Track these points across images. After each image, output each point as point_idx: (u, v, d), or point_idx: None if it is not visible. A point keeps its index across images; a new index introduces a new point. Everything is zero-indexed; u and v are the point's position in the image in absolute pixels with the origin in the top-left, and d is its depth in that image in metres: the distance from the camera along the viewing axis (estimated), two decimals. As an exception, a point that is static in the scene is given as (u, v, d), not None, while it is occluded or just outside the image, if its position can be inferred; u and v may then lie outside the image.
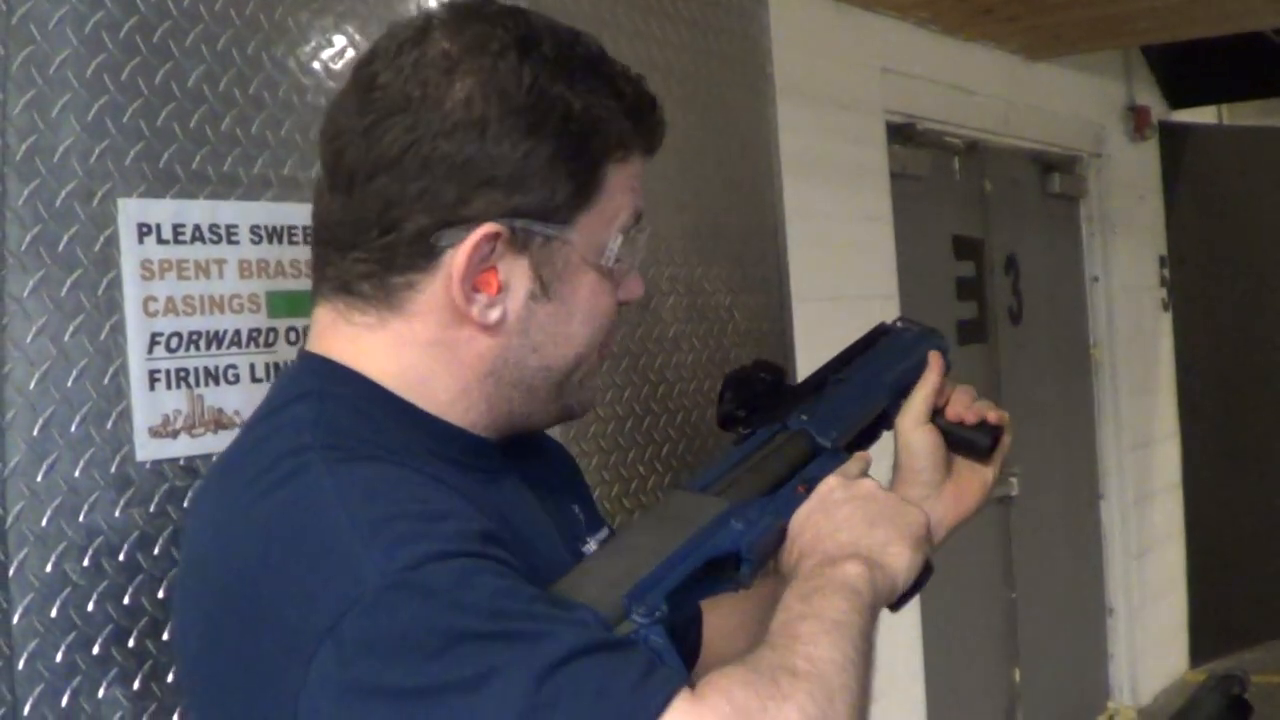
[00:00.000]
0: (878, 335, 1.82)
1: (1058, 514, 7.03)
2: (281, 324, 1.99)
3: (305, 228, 2.01)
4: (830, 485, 1.49)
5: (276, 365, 1.98)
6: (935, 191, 6.04)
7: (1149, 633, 7.73)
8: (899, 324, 1.84)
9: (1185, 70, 8.28)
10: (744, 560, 1.41)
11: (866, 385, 1.72)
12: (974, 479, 1.76)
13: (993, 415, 1.77)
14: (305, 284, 2.00)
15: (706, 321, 2.86)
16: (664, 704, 1.12)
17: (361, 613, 1.16)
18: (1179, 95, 8.41)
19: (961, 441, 1.75)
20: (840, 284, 4.99)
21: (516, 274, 1.38)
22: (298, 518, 1.25)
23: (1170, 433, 8.11)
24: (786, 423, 1.61)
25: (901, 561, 1.42)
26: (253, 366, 1.96)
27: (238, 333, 1.95)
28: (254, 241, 1.97)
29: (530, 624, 1.17)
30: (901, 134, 5.66)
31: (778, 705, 1.15)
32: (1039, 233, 7.12)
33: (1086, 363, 7.53)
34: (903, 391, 1.75)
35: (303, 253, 1.98)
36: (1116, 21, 6.12)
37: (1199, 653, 8.24)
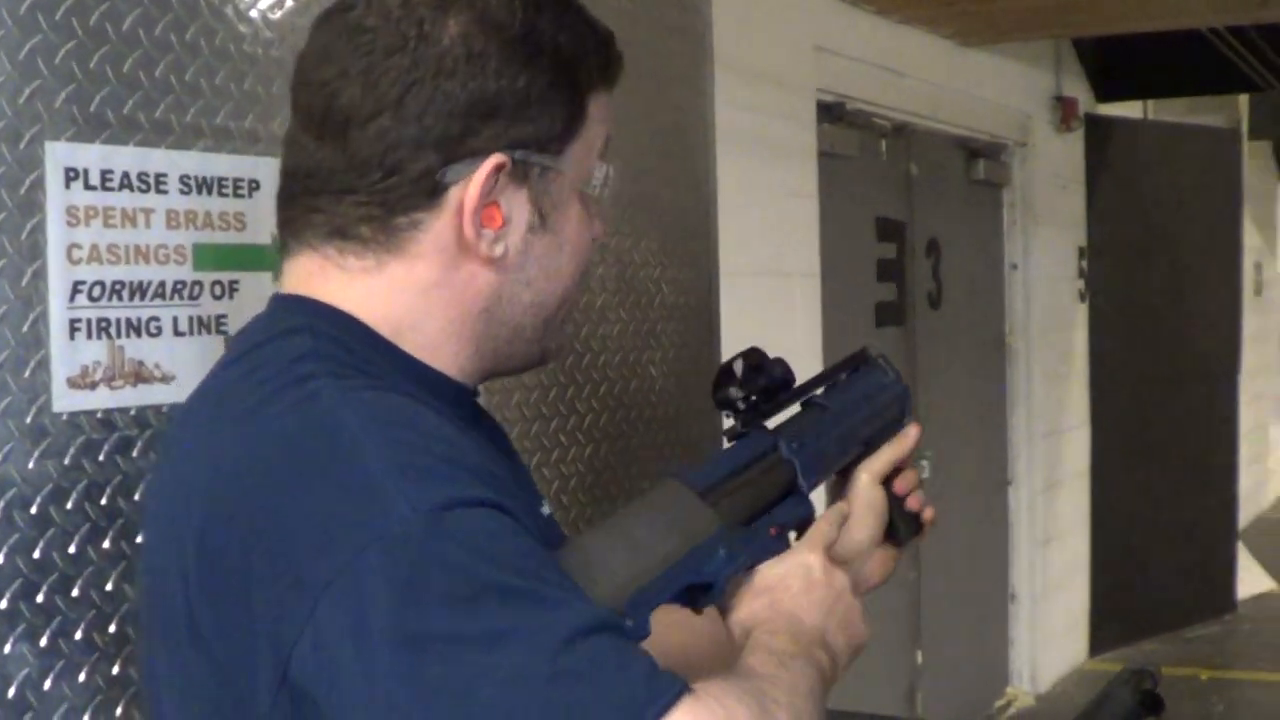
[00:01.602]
0: (859, 362, 1.79)
1: (966, 499, 7.06)
2: (207, 277, 1.95)
3: (236, 180, 1.97)
4: (811, 564, 1.50)
5: (200, 319, 1.94)
6: (861, 172, 6.04)
7: (1050, 620, 7.80)
8: (880, 359, 1.82)
9: (1114, 64, 8.34)
10: (715, 591, 1.42)
11: (848, 433, 1.70)
12: (887, 556, 1.76)
13: (928, 513, 1.78)
14: (234, 237, 1.96)
15: (634, 294, 2.83)
16: (675, 698, 1.12)
17: (385, 550, 1.13)
18: (1106, 88, 8.47)
19: (893, 518, 1.75)
20: (764, 260, 4.99)
21: (517, 206, 1.39)
22: (315, 444, 1.22)
23: (1081, 422, 8.18)
24: (777, 443, 1.59)
25: (844, 667, 1.48)
26: (176, 319, 1.91)
27: (162, 284, 1.90)
28: (183, 192, 1.92)
29: (549, 589, 1.15)
30: (831, 113, 5.65)
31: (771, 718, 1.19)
32: (961, 218, 7.15)
33: (1002, 350, 7.58)
34: (872, 445, 1.74)
35: (233, 205, 1.94)
36: (1051, 12, 6.14)
37: (1098, 642, 8.33)
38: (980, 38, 6.63)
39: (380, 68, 1.33)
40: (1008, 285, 7.62)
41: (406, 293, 1.38)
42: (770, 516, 1.52)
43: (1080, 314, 8.22)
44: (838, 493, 1.75)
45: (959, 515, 6.94)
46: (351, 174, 1.35)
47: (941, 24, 6.29)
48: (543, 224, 1.41)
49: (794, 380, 1.67)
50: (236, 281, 1.98)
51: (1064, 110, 7.88)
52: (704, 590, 1.40)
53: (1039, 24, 6.51)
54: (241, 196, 1.97)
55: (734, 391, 1.62)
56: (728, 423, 1.65)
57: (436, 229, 1.36)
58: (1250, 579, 9.77)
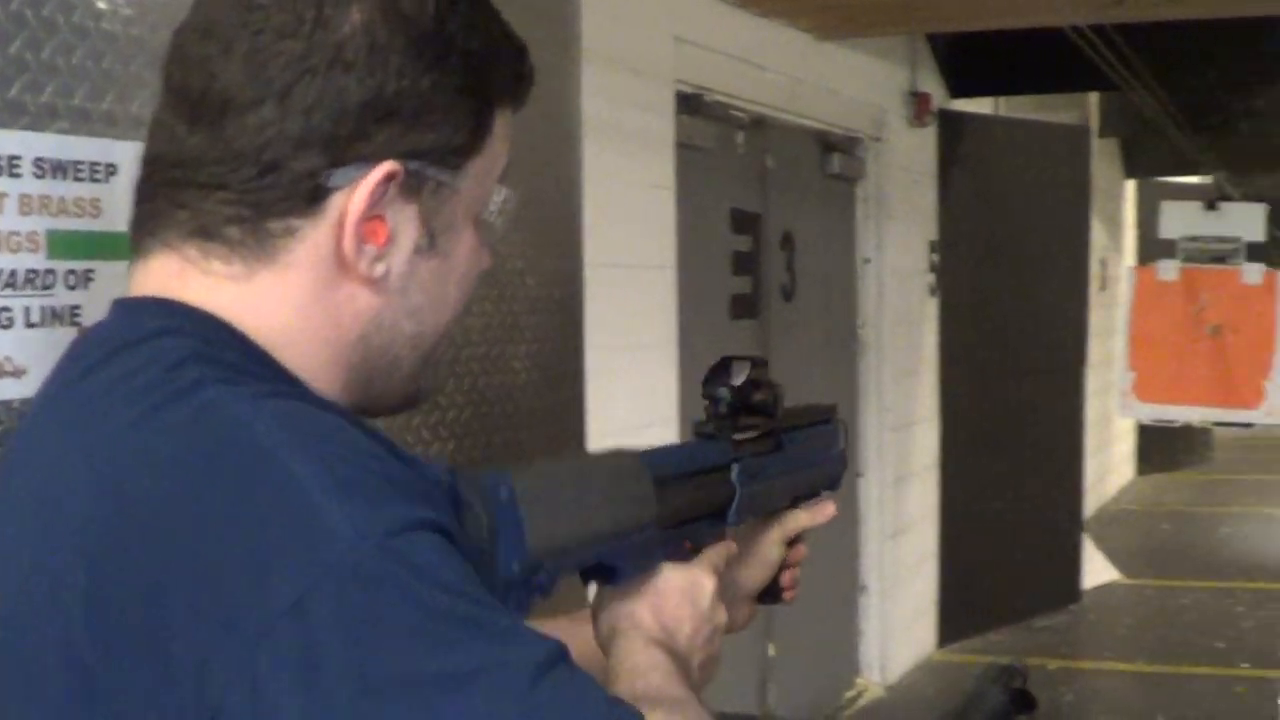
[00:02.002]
0: (827, 417, 1.80)
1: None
2: (61, 266, 1.87)
3: (93, 164, 1.89)
4: (706, 588, 1.45)
5: (54, 310, 1.86)
6: (718, 165, 6.03)
7: (900, 612, 7.86)
8: (842, 425, 1.82)
9: (966, 60, 8.41)
10: (616, 577, 1.39)
11: (789, 485, 1.69)
12: (752, 609, 1.73)
13: (791, 595, 1.75)
14: (90, 224, 1.88)
15: (499, 286, 2.78)
16: None
17: (337, 586, 0.99)
18: (959, 85, 8.55)
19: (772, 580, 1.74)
20: (622, 252, 4.95)
21: (404, 223, 1.23)
22: (229, 463, 1.06)
23: (930, 415, 8.25)
24: (732, 466, 1.56)
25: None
26: (28, 310, 1.83)
27: (14, 273, 1.82)
28: (37, 175, 1.84)
29: (499, 616, 1.05)
30: (690, 104, 5.63)
31: None
32: (816, 212, 7.17)
33: (854, 343, 7.62)
34: (795, 504, 1.71)
35: (89, 190, 1.86)
36: (908, 8, 6.18)
37: (947, 633, 8.42)
38: (837, 31, 6.66)
39: (269, 50, 1.18)
40: (860, 279, 7.66)
41: (280, 307, 1.22)
42: (692, 529, 1.49)
43: (930, 308, 8.29)
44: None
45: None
46: (223, 166, 1.19)
47: (800, 17, 6.30)
48: (431, 246, 1.26)
49: (779, 412, 1.64)
50: (92, 271, 1.90)
51: (918, 105, 7.93)
52: (606, 572, 1.37)
53: (895, 19, 6.56)
54: (99, 181, 1.89)
55: (724, 392, 1.57)
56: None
57: (314, 239, 1.20)
58: (1095, 569, 9.94)
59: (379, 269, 1.22)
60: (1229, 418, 7.94)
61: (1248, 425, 8.00)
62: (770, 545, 1.68)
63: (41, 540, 1.12)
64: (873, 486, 7.66)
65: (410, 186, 1.22)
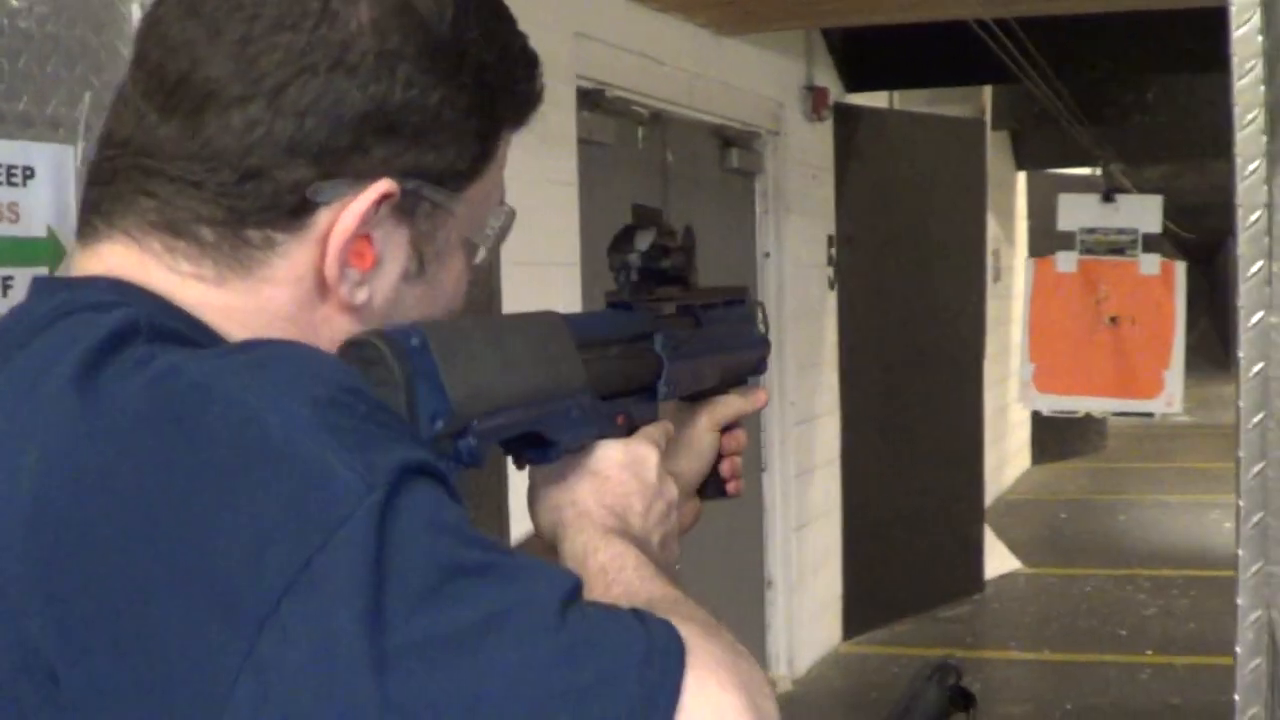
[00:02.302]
0: (739, 297, 1.68)
1: (722, 486, 7.06)
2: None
3: (10, 167, 1.84)
4: (652, 461, 1.34)
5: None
6: (619, 160, 6.00)
7: (806, 605, 7.87)
8: (760, 306, 1.73)
9: (861, 55, 8.44)
10: (553, 451, 1.27)
11: (712, 362, 1.58)
12: (695, 505, 1.60)
13: (736, 485, 1.64)
14: (8, 229, 1.82)
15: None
16: (680, 641, 0.95)
17: (346, 544, 0.88)
18: (854, 79, 8.57)
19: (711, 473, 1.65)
20: (525, 250, 4.91)
21: (393, 247, 1.11)
22: (200, 426, 0.92)
23: (832, 409, 8.27)
24: (654, 335, 1.47)
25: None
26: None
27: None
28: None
29: (510, 557, 0.95)
30: (590, 100, 5.61)
31: (749, 662, 1.03)
32: (716, 206, 7.16)
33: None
34: (720, 389, 1.62)
35: (6, 195, 1.80)
36: (805, 3, 6.18)
37: (852, 625, 8.45)
38: (736, 27, 6.65)
39: (264, 41, 1.05)
40: (760, 273, 7.65)
41: (253, 316, 1.09)
42: (624, 403, 1.40)
43: (830, 302, 8.31)
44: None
45: (714, 503, 6.92)
46: (198, 164, 1.06)
47: (698, 13, 6.29)
48: (420, 273, 1.14)
49: (693, 275, 1.55)
50: (11, 278, 1.84)
51: (815, 100, 7.94)
52: (542, 446, 1.26)
53: (792, 14, 6.57)
54: (15, 185, 1.83)
55: (633, 259, 1.48)
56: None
57: (294, 255, 1.09)
58: (996, 559, 10.01)
59: (361, 295, 1.11)
60: (1129, 408, 8.01)
61: (1148, 415, 8.06)
62: (703, 433, 1.58)
63: None
64: (776, 481, 7.66)
65: (404, 208, 1.11)
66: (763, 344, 1.71)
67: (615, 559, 1.19)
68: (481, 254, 1.22)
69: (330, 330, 1.11)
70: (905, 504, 8.70)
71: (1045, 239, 11.12)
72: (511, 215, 1.23)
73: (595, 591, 1.08)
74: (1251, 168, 1.73)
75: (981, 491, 9.92)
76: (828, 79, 8.21)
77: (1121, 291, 7.80)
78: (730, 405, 1.60)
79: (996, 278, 12.40)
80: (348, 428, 0.93)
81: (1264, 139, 1.72)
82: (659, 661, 0.92)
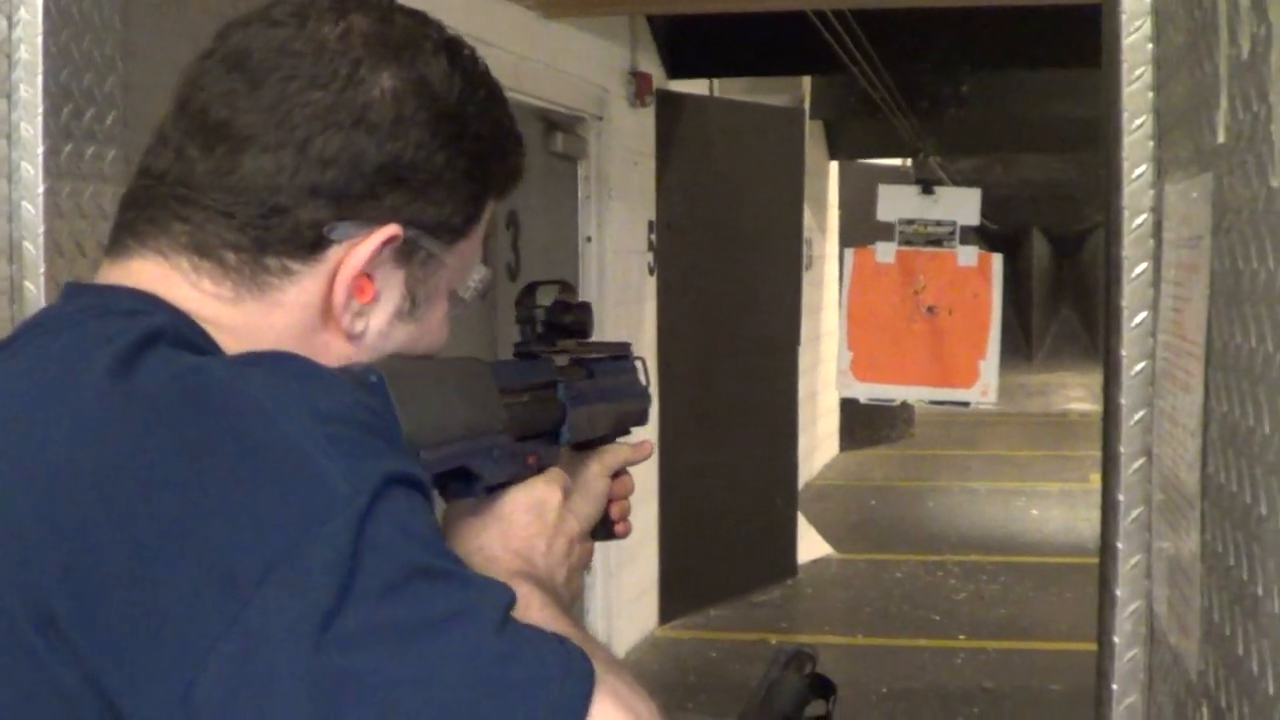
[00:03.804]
0: (622, 353, 1.82)
1: (540, 472, 7.07)
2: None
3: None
4: (554, 501, 1.50)
5: None
6: (446, 143, 5.96)
7: (623, 591, 7.90)
8: (640, 362, 1.86)
9: (683, 41, 8.48)
10: (477, 487, 1.42)
11: (604, 412, 1.72)
12: (588, 547, 1.72)
13: (624, 526, 1.77)
14: None
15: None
16: (591, 670, 1.09)
17: (331, 537, 1.01)
18: (677, 65, 8.60)
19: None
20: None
21: (390, 286, 1.29)
22: (218, 417, 1.06)
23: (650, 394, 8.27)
24: (558, 384, 1.60)
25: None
26: None
27: None
28: None
29: (465, 568, 1.10)
30: (419, 83, 5.55)
31: (642, 696, 1.15)
32: (540, 191, 7.14)
33: (577, 322, 7.59)
34: (608, 439, 1.75)
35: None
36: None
37: (668, 610, 8.50)
38: (562, 10, 6.65)
39: (298, 98, 1.22)
40: (582, 258, 7.66)
41: (260, 337, 1.24)
42: (533, 445, 1.53)
43: (649, 287, 8.34)
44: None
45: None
46: (231, 197, 1.22)
47: (526, -6, 6.27)
48: (411, 313, 1.31)
49: (589, 334, 1.69)
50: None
51: (638, 85, 7.97)
52: (467, 479, 1.40)
53: (619, -1, 6.56)
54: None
55: (538, 312, 1.63)
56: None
57: (305, 284, 1.25)
58: (808, 544, 10.12)
59: (359, 325, 1.28)
60: (945, 396, 8.11)
61: (964, 404, 8.19)
62: (595, 478, 1.71)
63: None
64: (596, 466, 7.66)
65: (404, 253, 1.28)
66: (646, 396, 1.85)
67: (522, 602, 1.30)
68: (462, 305, 1.39)
69: (329, 354, 1.27)
70: (720, 489, 8.77)
71: (857, 228, 11.27)
72: (490, 276, 1.42)
73: None
74: (1138, 172, 1.77)
75: (795, 478, 10.03)
76: (651, 65, 8.24)
77: (939, 282, 7.90)
78: (619, 453, 1.74)
79: (809, 266, 12.54)
80: (344, 437, 1.07)
81: (1151, 144, 1.76)
82: (575, 678, 1.07)
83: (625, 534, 1.78)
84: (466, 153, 1.29)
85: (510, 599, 1.09)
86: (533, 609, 1.30)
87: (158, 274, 1.24)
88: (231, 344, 1.22)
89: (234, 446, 1.05)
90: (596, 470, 1.71)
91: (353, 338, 1.28)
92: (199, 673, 0.98)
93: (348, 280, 1.25)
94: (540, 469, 1.51)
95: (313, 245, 1.24)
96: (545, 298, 1.65)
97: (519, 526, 1.45)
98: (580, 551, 1.63)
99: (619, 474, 1.74)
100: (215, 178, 1.23)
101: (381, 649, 1.00)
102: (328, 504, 1.02)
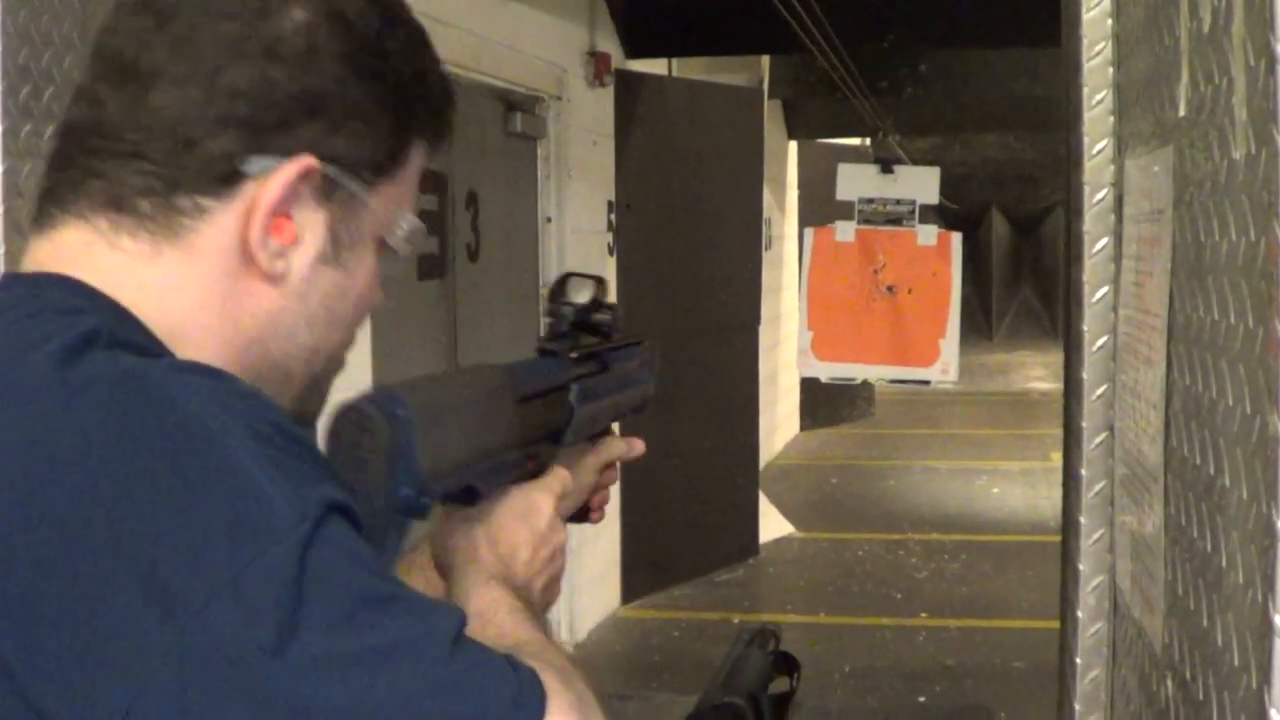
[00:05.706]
0: (638, 344, 1.81)
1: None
2: None
3: None
4: (546, 510, 1.49)
5: None
6: (405, 123, 5.93)
7: (586, 571, 7.90)
8: (653, 356, 1.86)
9: (642, 21, 8.46)
10: (474, 498, 1.42)
11: (610, 407, 1.73)
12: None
13: (599, 515, 1.79)
14: None
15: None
16: (542, 685, 1.10)
17: (276, 563, 0.98)
18: (635, 45, 8.58)
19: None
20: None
21: (311, 226, 1.24)
22: (160, 434, 1.02)
23: (611, 375, 8.27)
24: (570, 387, 1.59)
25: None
26: None
27: None
28: None
29: (411, 592, 1.08)
30: (378, 62, 5.53)
31: (594, 708, 1.17)
32: (499, 171, 7.14)
33: (537, 302, 7.59)
34: (609, 431, 1.77)
35: None
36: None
37: (630, 589, 8.51)
38: (521, -11, 6.62)
39: (206, 30, 1.19)
40: (542, 238, 7.66)
41: (182, 297, 1.21)
42: (534, 448, 1.51)
43: (609, 268, 8.32)
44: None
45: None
46: (142, 134, 1.19)
47: (485, -26, 6.24)
48: (335, 256, 1.27)
49: (614, 334, 1.69)
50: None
51: (597, 65, 7.96)
52: (466, 494, 1.41)
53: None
54: None
55: (567, 310, 1.63)
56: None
57: (220, 223, 1.21)
58: (769, 524, 10.14)
59: (279, 265, 1.23)
60: (905, 375, 8.12)
61: (924, 383, 8.20)
62: (587, 471, 1.71)
63: None
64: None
65: (323, 190, 1.24)
66: (650, 386, 1.86)
67: (492, 604, 1.36)
68: (395, 263, 1.35)
69: (252, 303, 1.23)
70: (682, 469, 8.77)
71: (816, 208, 11.28)
72: (421, 226, 1.35)
73: (474, 631, 1.18)
74: (1099, 147, 1.77)
75: (756, 457, 10.04)
76: (610, 45, 8.22)
77: (899, 261, 7.91)
78: (614, 449, 1.76)
79: (768, 245, 12.55)
80: (280, 461, 1.04)
81: (1111, 119, 1.76)
82: (525, 703, 1.07)
83: (599, 520, 1.78)
84: (386, 88, 1.25)
85: (460, 621, 1.07)
86: (501, 612, 1.34)
87: (81, 241, 1.21)
88: (164, 320, 1.19)
89: (175, 463, 1.01)
90: (590, 463, 1.71)
91: (274, 279, 1.23)
92: (136, 700, 0.95)
93: (263, 214, 1.20)
94: (538, 470, 1.50)
95: (225, 179, 1.20)
96: (577, 293, 1.64)
97: (507, 532, 1.45)
98: (563, 560, 1.63)
99: (609, 466, 1.75)
100: (125, 118, 1.20)
101: (331, 679, 0.98)
102: (272, 528, 0.99)
